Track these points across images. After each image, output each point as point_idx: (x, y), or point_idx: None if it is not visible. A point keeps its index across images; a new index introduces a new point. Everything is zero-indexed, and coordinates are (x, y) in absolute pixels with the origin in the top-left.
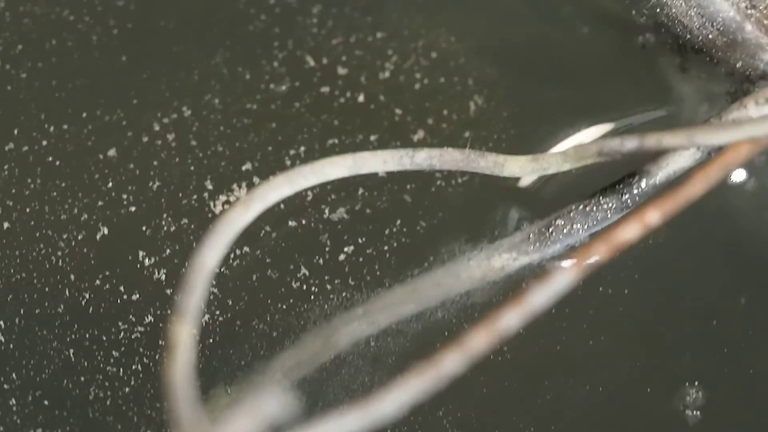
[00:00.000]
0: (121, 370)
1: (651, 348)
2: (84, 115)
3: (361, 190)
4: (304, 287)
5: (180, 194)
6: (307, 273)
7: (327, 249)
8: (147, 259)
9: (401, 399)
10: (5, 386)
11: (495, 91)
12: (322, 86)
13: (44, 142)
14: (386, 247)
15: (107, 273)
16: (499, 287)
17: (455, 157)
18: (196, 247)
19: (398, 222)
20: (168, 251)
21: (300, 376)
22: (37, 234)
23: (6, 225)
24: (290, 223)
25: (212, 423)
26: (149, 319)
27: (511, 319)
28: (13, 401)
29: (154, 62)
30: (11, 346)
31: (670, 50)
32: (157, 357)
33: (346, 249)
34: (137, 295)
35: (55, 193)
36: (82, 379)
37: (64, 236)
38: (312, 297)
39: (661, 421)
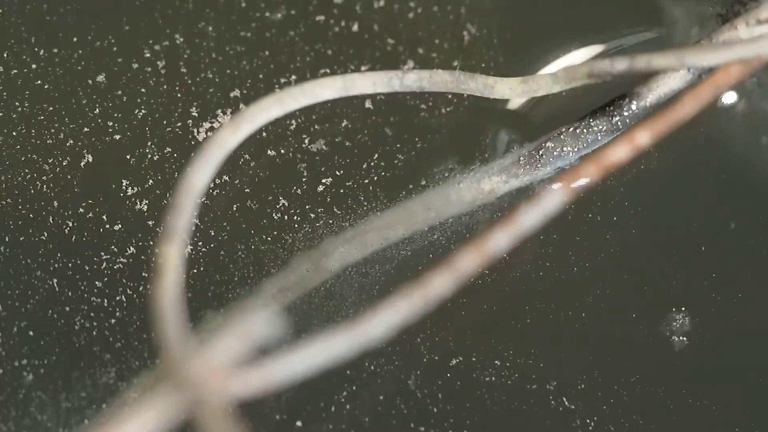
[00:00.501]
0: (105, 300)
1: (638, 274)
2: (75, 39)
3: (352, 117)
4: (297, 212)
5: (165, 122)
6: (299, 198)
7: (319, 174)
8: (130, 188)
9: (389, 320)
10: None
11: (487, 16)
12: (318, 15)
13: (33, 65)
14: (376, 171)
15: (90, 201)
16: (489, 210)
17: (445, 78)
18: (185, 168)
19: (388, 146)
20: (152, 181)
21: (289, 299)
22: (23, 158)
23: None
24: (271, 152)
25: (200, 344)
26: (131, 249)
27: (500, 240)
28: None
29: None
30: None
31: None
32: (140, 287)
33: (338, 173)
34: (120, 225)
35: (42, 117)
36: (67, 309)
37: (50, 161)
38: (302, 221)
39: (648, 346)
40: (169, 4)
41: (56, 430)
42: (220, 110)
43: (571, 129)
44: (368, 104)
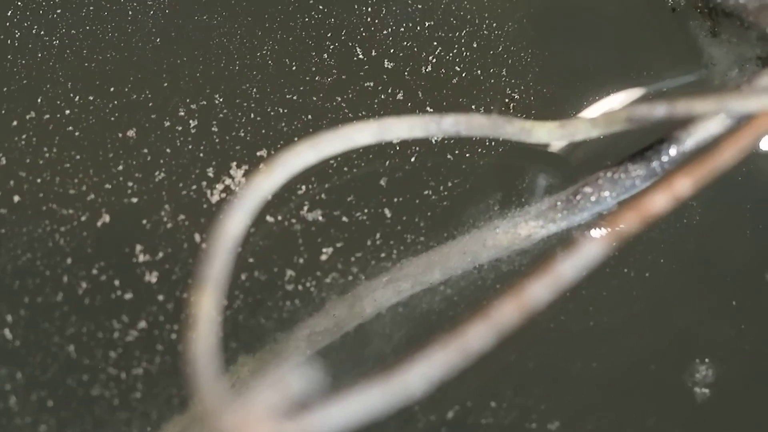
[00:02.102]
0: (123, 372)
1: (665, 321)
2: (111, 89)
3: (390, 159)
4: (330, 254)
5: (182, 185)
6: (335, 241)
7: (351, 214)
8: (142, 255)
9: (427, 373)
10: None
11: (524, 57)
12: (367, 81)
13: (67, 111)
14: (412, 214)
15: (102, 264)
16: (526, 255)
17: (482, 122)
18: (221, 215)
19: (425, 188)
20: (166, 251)
21: (323, 345)
22: (44, 208)
23: (17, 198)
24: (311, 186)
25: (235, 395)
26: (142, 324)
27: (539, 291)
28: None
29: (193, 48)
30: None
31: (700, 14)
32: (150, 361)
33: (373, 215)
34: (130, 294)
35: (68, 166)
36: (84, 377)
37: (70, 212)
38: (337, 264)
39: (669, 396)
40: (212, 65)
41: None
42: (242, 170)
43: (609, 173)
44: (408, 147)
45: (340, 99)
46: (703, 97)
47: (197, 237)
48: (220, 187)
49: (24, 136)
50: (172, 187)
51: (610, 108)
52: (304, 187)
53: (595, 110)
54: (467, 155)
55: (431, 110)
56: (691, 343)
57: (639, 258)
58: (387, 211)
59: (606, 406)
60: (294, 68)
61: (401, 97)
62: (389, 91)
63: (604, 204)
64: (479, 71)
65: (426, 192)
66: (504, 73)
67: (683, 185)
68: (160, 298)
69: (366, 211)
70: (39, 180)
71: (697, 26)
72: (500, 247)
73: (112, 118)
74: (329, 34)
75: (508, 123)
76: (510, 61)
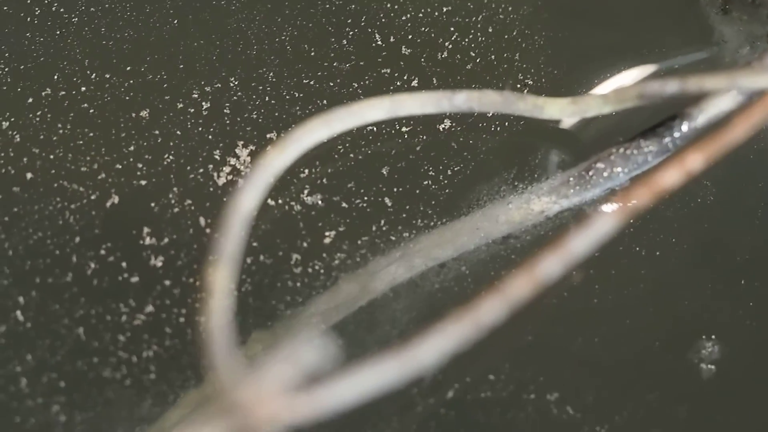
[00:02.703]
0: (133, 355)
1: (672, 299)
2: (128, 68)
3: (399, 136)
4: (342, 230)
5: (192, 168)
6: (347, 216)
7: (363, 191)
8: (149, 238)
9: (440, 347)
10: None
11: (537, 40)
12: (385, 67)
13: (83, 89)
14: (424, 191)
15: (109, 245)
16: (539, 231)
17: (494, 99)
18: (234, 191)
19: (437, 165)
20: (172, 235)
21: (337, 320)
22: (55, 185)
23: (29, 175)
24: (323, 168)
25: (249, 369)
26: (149, 308)
27: (552, 265)
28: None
29: (210, 31)
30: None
31: None
32: (160, 343)
33: (386, 192)
34: (137, 277)
35: (81, 143)
36: (95, 359)
37: (80, 190)
38: (349, 241)
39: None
40: (231, 49)
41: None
42: (251, 154)
43: (621, 149)
44: (419, 124)
45: (356, 85)
46: (715, 74)
47: (204, 221)
48: (228, 170)
49: (39, 113)
50: (180, 170)
51: (621, 85)
52: (315, 164)
53: (606, 87)
54: (480, 132)
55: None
56: (697, 321)
57: (650, 236)
58: (399, 188)
59: (609, 382)
60: (312, 53)
61: (416, 84)
62: (405, 77)
63: (617, 180)
64: (493, 56)
65: (438, 169)
66: (517, 57)
67: (695, 161)
68: (167, 282)
69: (378, 188)
70: (52, 156)
71: (708, 4)
72: (513, 223)
73: (127, 98)
74: (349, 20)
75: (520, 99)
76: (524, 45)
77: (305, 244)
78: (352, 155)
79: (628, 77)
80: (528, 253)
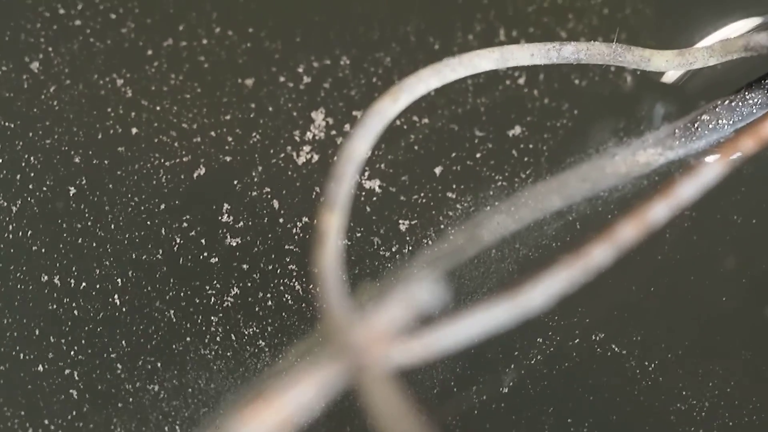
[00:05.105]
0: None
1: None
2: (250, 30)
3: (508, 87)
4: (449, 180)
5: (278, 147)
6: (454, 166)
7: (468, 141)
8: (227, 216)
9: (550, 290)
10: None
11: None
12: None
13: (204, 41)
14: (531, 143)
15: (189, 218)
16: (644, 182)
17: (602, 50)
18: (346, 137)
19: (544, 116)
20: (253, 215)
21: (445, 269)
22: (155, 140)
23: (134, 131)
24: (426, 120)
25: (361, 312)
26: (234, 291)
27: (659, 211)
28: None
29: (335, 5)
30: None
31: None
32: (239, 326)
33: (491, 144)
34: (215, 258)
35: (187, 96)
36: (188, 339)
37: (175, 146)
38: (456, 192)
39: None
40: (351, 28)
41: (219, 399)
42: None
43: (727, 102)
44: (525, 75)
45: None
46: None
47: (281, 203)
48: (313, 150)
49: (155, 64)
50: (265, 148)
51: (727, 37)
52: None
53: (712, 39)
54: (586, 84)
55: (545, 19)
56: None
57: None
58: (506, 140)
59: (681, 334)
60: (436, 47)
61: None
62: (512, 31)
63: (722, 131)
64: (602, 8)
65: (544, 121)
66: (627, 10)
67: None
68: (244, 267)
69: (485, 137)
70: (158, 108)
71: None
72: (619, 174)
73: (240, 61)
74: (478, 15)
75: (627, 51)
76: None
77: (413, 197)
78: (460, 99)
79: (734, 29)
80: (634, 204)
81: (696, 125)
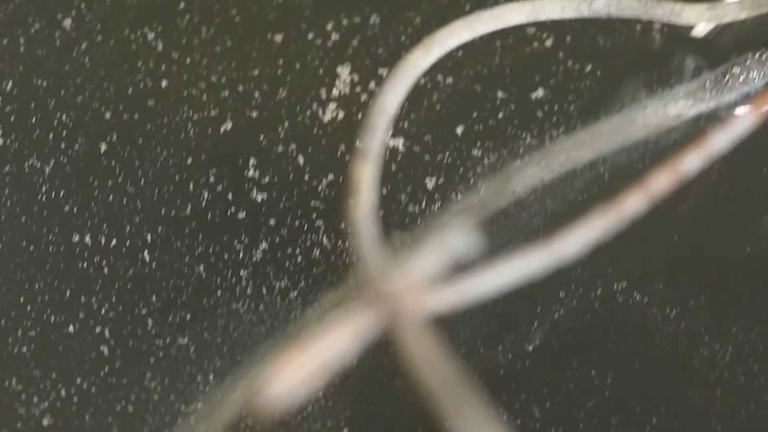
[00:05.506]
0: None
1: None
2: None
3: (538, 40)
4: (479, 131)
5: (304, 105)
6: (482, 121)
7: (498, 92)
8: (253, 170)
9: (584, 238)
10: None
11: None
12: None
13: None
14: (561, 95)
15: (216, 171)
16: (675, 134)
17: (632, 4)
18: (378, 89)
19: (574, 70)
20: (278, 171)
21: (476, 219)
22: (185, 93)
23: (164, 83)
24: (452, 77)
25: (395, 260)
26: (260, 244)
27: (692, 161)
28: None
29: None
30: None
31: None
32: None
33: (519, 94)
34: (243, 213)
35: (217, 49)
36: (218, 293)
37: (203, 99)
38: (487, 143)
39: None
40: None
41: (252, 349)
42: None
43: (757, 55)
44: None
45: None
46: None
47: (306, 159)
48: (338, 108)
49: (187, 17)
50: (291, 104)
51: None
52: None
53: None
54: (617, 38)
55: None
56: None
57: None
58: (537, 92)
59: (704, 281)
60: (467, 8)
61: None
62: None
63: (752, 84)
64: None
65: (574, 74)
66: None
67: None
68: (271, 222)
69: (514, 90)
70: (188, 60)
71: None
72: (650, 126)
73: (271, 16)
74: None
75: (658, 5)
76: None
77: (437, 156)
78: (485, 55)
79: None
80: (665, 155)
81: (726, 78)
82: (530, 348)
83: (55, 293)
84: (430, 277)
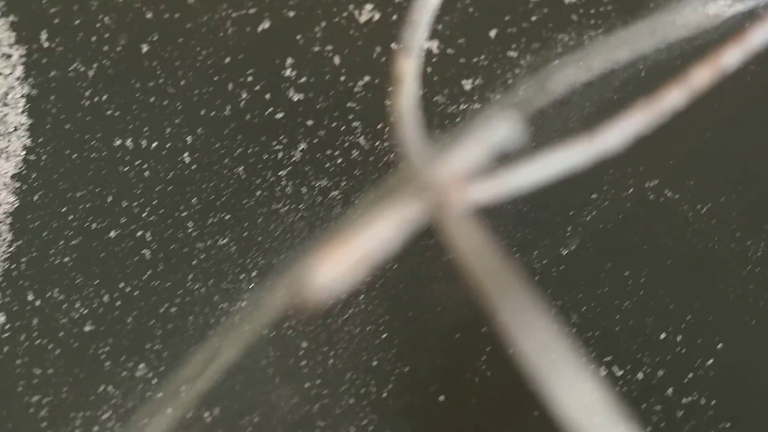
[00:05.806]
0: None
1: None
2: None
3: None
4: (515, 33)
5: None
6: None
7: (524, 9)
8: (290, 70)
9: (626, 131)
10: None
11: None
12: None
13: None
14: (591, 7)
15: (252, 71)
16: (714, 33)
17: None
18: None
19: None
20: (314, 70)
21: (518, 115)
22: None
23: None
24: None
25: (440, 152)
26: (302, 146)
27: (732, 56)
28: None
29: None
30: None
31: None
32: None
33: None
34: (281, 113)
35: None
36: (258, 193)
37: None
38: (518, 50)
39: None
40: None
41: (294, 246)
42: None
43: None
44: None
45: None
46: None
47: (351, 59)
48: (374, 9)
49: None
50: (328, 5)
51: None
52: None
53: None
54: None
55: None
56: None
57: None
58: (563, 7)
59: (735, 177)
60: None
61: None
62: None
63: None
64: None
65: None
66: None
67: None
68: (309, 123)
69: (541, 2)
70: None
71: None
72: (689, 26)
73: None
74: None
75: None
76: None
77: (473, 58)
78: None
79: None
80: (704, 53)
81: None
82: (565, 252)
83: (96, 199)
84: (473, 169)
